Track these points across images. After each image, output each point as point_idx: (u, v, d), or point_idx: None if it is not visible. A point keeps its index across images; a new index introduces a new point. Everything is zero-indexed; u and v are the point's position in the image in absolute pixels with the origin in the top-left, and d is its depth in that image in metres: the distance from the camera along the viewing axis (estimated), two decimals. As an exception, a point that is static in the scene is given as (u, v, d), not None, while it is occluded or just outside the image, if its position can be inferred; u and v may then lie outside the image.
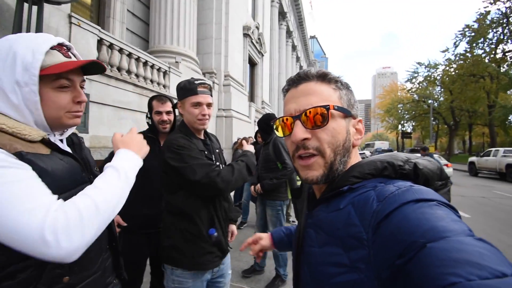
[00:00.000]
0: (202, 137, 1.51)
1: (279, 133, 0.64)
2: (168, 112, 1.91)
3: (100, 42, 4.09)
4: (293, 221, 5.35)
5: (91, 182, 0.83)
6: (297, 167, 0.62)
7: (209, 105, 1.43)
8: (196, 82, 1.41)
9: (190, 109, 1.41)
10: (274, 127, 0.66)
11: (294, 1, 23.42)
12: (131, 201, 1.03)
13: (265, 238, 1.03)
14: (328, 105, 0.56)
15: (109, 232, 0.95)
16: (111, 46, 4.32)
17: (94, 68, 0.87)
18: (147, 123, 1.97)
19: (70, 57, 0.81)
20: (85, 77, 0.88)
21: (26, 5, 2.61)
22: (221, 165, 1.51)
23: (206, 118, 1.42)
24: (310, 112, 0.57)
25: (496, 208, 7.23)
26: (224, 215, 1.48)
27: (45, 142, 0.76)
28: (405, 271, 0.37)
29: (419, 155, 0.63)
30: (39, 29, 2.68)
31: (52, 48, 0.75)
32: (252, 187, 3.04)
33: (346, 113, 0.59)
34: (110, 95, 4.13)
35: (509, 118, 24.94)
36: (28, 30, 2.60)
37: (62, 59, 0.77)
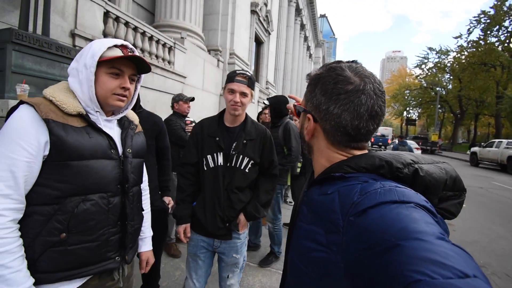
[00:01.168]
0: (234, 124, 1.62)
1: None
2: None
3: (106, 14, 4.04)
4: (290, 202, 5.51)
5: (119, 160, 1.03)
6: None
7: (243, 93, 1.53)
8: (237, 71, 1.56)
9: (226, 94, 1.56)
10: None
11: (305, -23, 22.39)
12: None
13: None
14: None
15: (122, 211, 1.04)
16: (117, 19, 4.26)
17: (143, 68, 1.06)
18: None
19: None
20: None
21: (33, -26, 2.58)
22: (241, 156, 1.58)
23: (238, 105, 1.52)
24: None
25: (492, 199, 7.35)
26: (219, 202, 1.58)
27: (82, 117, 0.95)
28: (373, 265, 0.40)
29: (430, 159, 0.61)
30: (47, 1, 2.67)
31: (116, 46, 0.98)
32: None
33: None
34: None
35: (517, 110, 24.49)
36: (36, 2, 2.60)
37: (119, 53, 0.97)
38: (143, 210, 1.21)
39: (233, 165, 1.57)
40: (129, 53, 1.00)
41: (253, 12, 10.50)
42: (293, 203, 5.02)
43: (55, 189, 0.88)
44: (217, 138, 1.56)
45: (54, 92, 0.93)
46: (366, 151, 0.65)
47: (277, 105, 3.03)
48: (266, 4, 11.88)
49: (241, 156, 1.57)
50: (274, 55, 15.55)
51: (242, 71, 1.56)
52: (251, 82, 1.56)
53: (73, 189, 0.90)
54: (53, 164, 0.88)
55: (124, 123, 1.13)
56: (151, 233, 1.32)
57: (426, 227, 0.40)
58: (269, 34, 13.29)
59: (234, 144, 1.57)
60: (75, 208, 0.90)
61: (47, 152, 0.87)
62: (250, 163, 1.59)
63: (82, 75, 0.95)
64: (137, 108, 1.91)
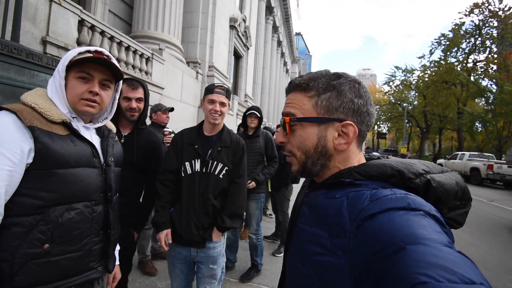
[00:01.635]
0: (212, 133, 1.73)
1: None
2: (138, 99, 1.70)
3: (81, 23, 3.92)
4: (270, 215, 5.46)
5: (102, 168, 1.01)
6: None
7: (222, 103, 1.66)
8: (215, 84, 1.69)
9: (206, 105, 1.67)
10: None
11: (281, -4, 23.38)
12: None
13: None
14: (292, 118, 0.65)
15: (105, 219, 1.02)
16: (92, 27, 4.15)
17: (119, 75, 1.05)
18: None
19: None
20: None
21: (3, -22, 2.46)
22: (215, 162, 1.67)
23: (218, 114, 1.65)
24: (282, 121, 0.68)
25: (457, 207, 7.81)
26: (194, 208, 1.64)
27: (66, 125, 0.93)
28: (379, 268, 0.40)
29: (440, 168, 0.61)
30: (18, 6, 2.54)
31: (89, 52, 0.97)
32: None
33: (313, 121, 0.63)
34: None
35: (476, 124, 26.66)
36: (6, 6, 2.46)
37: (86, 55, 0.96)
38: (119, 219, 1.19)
39: (208, 171, 1.66)
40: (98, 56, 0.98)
41: (232, 27, 10.71)
42: (273, 216, 4.96)
43: (38, 198, 0.84)
44: (196, 146, 1.67)
45: (35, 99, 0.90)
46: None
47: (261, 115, 3.05)
48: (244, 20, 12.19)
49: (215, 162, 1.67)
50: (253, 69, 15.85)
51: (220, 84, 1.70)
52: (228, 93, 1.71)
53: (58, 198, 0.88)
54: (37, 172, 0.85)
55: (103, 132, 1.12)
56: (118, 247, 1.26)
57: (434, 235, 0.41)
58: (248, 49, 13.57)
59: (210, 151, 1.68)
60: (59, 218, 0.87)
61: (30, 160, 0.84)
62: (224, 169, 1.69)
63: (56, 81, 0.94)
64: (140, 124, 1.77)
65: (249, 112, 3.01)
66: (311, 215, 0.61)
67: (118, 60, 4.74)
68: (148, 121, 3.21)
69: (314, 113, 0.63)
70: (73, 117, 0.98)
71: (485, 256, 4.20)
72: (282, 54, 28.29)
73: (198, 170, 1.66)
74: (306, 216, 0.62)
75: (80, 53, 0.95)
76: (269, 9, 19.62)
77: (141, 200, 1.87)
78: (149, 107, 3.24)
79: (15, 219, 0.81)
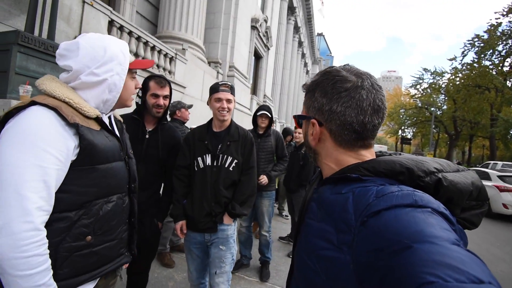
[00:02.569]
0: (221, 129, 1.84)
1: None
2: (165, 97, 1.79)
3: (110, 23, 4.13)
4: (286, 216, 5.44)
5: (125, 161, 1.05)
6: None
7: (228, 100, 1.76)
8: (219, 83, 1.79)
9: (213, 103, 1.78)
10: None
11: (305, -3, 23.18)
12: None
13: None
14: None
15: (131, 209, 1.09)
16: (121, 28, 4.35)
17: None
18: (136, 102, 1.82)
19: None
20: None
21: (41, -18, 2.65)
22: (225, 156, 1.78)
23: (226, 111, 1.75)
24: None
25: (489, 221, 7.34)
26: (206, 198, 1.76)
27: (98, 120, 0.94)
28: (384, 266, 0.39)
29: (456, 167, 0.59)
30: (54, 7, 2.73)
31: None
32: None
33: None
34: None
35: (511, 132, 24.94)
36: (43, 8, 2.65)
37: (132, 57, 1.04)
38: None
39: (219, 164, 1.78)
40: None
41: (253, 27, 10.78)
42: (289, 217, 4.95)
43: (81, 194, 0.86)
44: (206, 142, 1.79)
45: (67, 94, 0.88)
46: (373, 150, 0.65)
47: (272, 115, 3.09)
48: (266, 21, 12.21)
49: (225, 156, 1.78)
50: (272, 69, 15.84)
51: (224, 82, 1.80)
52: (233, 90, 1.81)
53: (99, 192, 0.91)
54: (81, 169, 0.86)
55: (117, 124, 1.15)
56: None
57: (442, 232, 0.40)
58: (268, 49, 13.59)
59: (219, 146, 1.79)
60: (100, 211, 0.91)
61: (74, 158, 0.85)
62: (234, 162, 1.79)
63: (108, 79, 0.95)
64: (163, 119, 1.85)
65: (260, 113, 3.04)
66: (319, 211, 0.61)
67: (144, 59, 4.92)
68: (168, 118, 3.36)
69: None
70: (102, 112, 1.01)
71: (516, 272, 3.94)
72: (303, 55, 28.02)
73: (209, 164, 1.78)
74: (315, 211, 0.63)
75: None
76: (291, 9, 19.52)
77: (161, 192, 1.95)
78: (171, 104, 3.35)
79: (57, 215, 0.82)
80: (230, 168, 1.79)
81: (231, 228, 1.85)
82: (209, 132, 1.85)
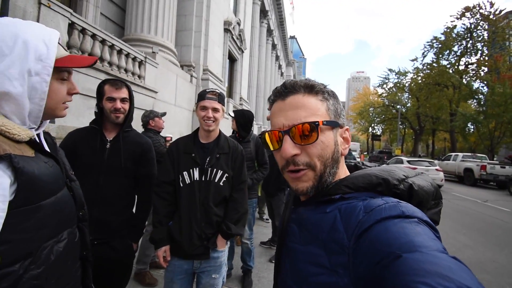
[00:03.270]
0: (208, 140, 1.68)
1: (268, 147, 0.63)
2: (123, 100, 1.61)
3: (71, 26, 3.83)
4: (267, 219, 5.41)
5: (68, 187, 0.85)
6: (287, 178, 0.62)
7: (214, 109, 1.61)
8: (207, 90, 1.65)
9: (198, 112, 1.63)
10: (262, 140, 0.65)
11: (275, 0, 23.49)
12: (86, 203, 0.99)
13: None
14: (318, 121, 0.56)
15: (82, 241, 0.91)
16: (83, 30, 4.06)
17: None
18: (95, 112, 1.67)
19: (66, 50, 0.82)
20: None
21: (-13, -21, 2.38)
22: (215, 169, 1.62)
23: (211, 120, 1.60)
24: (299, 127, 0.56)
25: (454, 209, 7.85)
26: (195, 217, 1.58)
27: (31, 142, 0.73)
28: (379, 278, 0.39)
29: (414, 172, 0.61)
30: (4, 8, 2.46)
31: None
32: None
33: (334, 125, 0.59)
34: (80, 82, 3.89)
35: (468, 125, 27.01)
36: (-11, 7, 2.38)
37: (64, 52, 0.79)
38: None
39: (208, 179, 1.61)
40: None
41: (226, 30, 10.70)
42: (269, 221, 4.90)
43: (25, 241, 0.68)
44: (193, 154, 1.61)
45: None
46: None
47: (244, 119, 2.97)
48: (239, 24, 12.19)
49: (214, 170, 1.62)
50: (248, 72, 15.86)
51: (212, 89, 1.66)
52: (221, 98, 1.65)
53: (47, 234, 0.73)
54: (22, 210, 0.67)
55: (46, 139, 0.89)
56: None
57: (430, 242, 0.41)
58: (242, 52, 13.58)
59: (208, 159, 1.63)
60: (50, 255, 0.74)
61: (11, 198, 0.65)
62: (224, 176, 1.64)
63: (21, 85, 0.69)
64: (126, 126, 1.67)
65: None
66: (302, 233, 0.58)
67: (110, 64, 4.65)
68: (140, 129, 3.17)
69: (327, 117, 0.59)
70: (31, 128, 0.77)
71: (482, 258, 4.20)
72: (277, 57, 28.38)
73: (197, 178, 1.60)
74: (296, 234, 0.59)
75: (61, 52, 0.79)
76: (264, 13, 19.70)
77: (134, 209, 1.78)
78: (143, 115, 3.18)
79: None
80: (221, 183, 1.62)
81: (224, 254, 1.68)
82: (196, 143, 1.67)
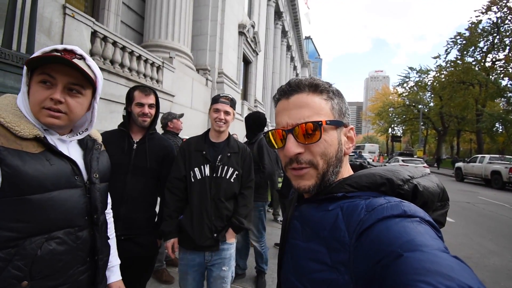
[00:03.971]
0: (219, 140, 1.80)
1: (272, 145, 0.64)
2: (151, 105, 1.72)
3: (93, 34, 4.05)
4: (281, 221, 5.42)
5: (85, 187, 0.88)
6: (289, 176, 0.63)
7: (226, 112, 1.74)
8: (221, 95, 1.79)
9: (211, 114, 1.76)
10: (266, 139, 0.66)
11: (290, 1, 23.45)
12: (113, 201, 1.02)
13: None
14: (321, 121, 0.57)
15: (91, 245, 0.92)
16: (104, 38, 4.27)
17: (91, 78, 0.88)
18: (123, 115, 1.78)
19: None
20: None
21: (19, -6, 2.57)
22: (226, 167, 1.73)
23: (223, 122, 1.73)
24: (302, 126, 0.57)
25: (479, 213, 7.45)
26: (207, 211, 1.68)
27: (39, 140, 0.79)
28: (380, 277, 0.39)
29: (420, 172, 0.60)
30: (32, 19, 2.64)
31: (57, 50, 0.81)
32: None
33: (338, 125, 0.60)
34: (102, 88, 4.09)
35: (496, 125, 25.61)
36: (21, 20, 2.57)
37: (43, 52, 0.81)
38: (108, 238, 1.06)
39: (219, 175, 1.72)
40: (74, 59, 0.81)
41: (240, 33, 10.82)
42: (284, 222, 4.89)
43: (9, 230, 0.73)
44: (204, 152, 1.73)
45: (0, 112, 0.76)
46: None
47: (250, 120, 2.98)
48: (253, 26, 12.28)
49: (226, 167, 1.74)
50: (262, 74, 15.91)
51: (225, 94, 1.80)
52: (232, 103, 1.79)
53: (34, 228, 0.76)
54: (7, 200, 0.72)
55: (87, 143, 0.98)
56: (119, 261, 1.19)
57: (431, 241, 0.41)
58: (257, 54, 13.65)
59: (219, 157, 1.74)
60: (37, 250, 0.76)
61: None
62: (235, 173, 1.76)
63: (23, 84, 0.80)
64: (150, 129, 1.77)
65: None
66: (304, 230, 0.58)
67: (130, 69, 4.85)
68: (160, 130, 3.28)
69: (331, 116, 0.60)
70: (45, 129, 0.83)
71: (509, 265, 3.96)
72: (292, 59, 28.27)
73: (208, 175, 1.71)
74: (299, 231, 0.60)
75: (45, 53, 0.79)
76: (278, 14, 19.71)
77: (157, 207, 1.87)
78: (161, 117, 3.28)
79: None
80: (232, 180, 1.74)
81: (233, 246, 1.78)
82: (207, 142, 1.80)
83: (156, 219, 1.83)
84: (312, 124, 0.56)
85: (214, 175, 1.71)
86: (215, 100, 1.77)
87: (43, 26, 3.26)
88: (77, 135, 0.93)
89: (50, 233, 0.79)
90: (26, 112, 0.80)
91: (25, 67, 0.79)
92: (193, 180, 1.70)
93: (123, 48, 4.69)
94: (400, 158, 15.96)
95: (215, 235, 1.67)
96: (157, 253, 1.85)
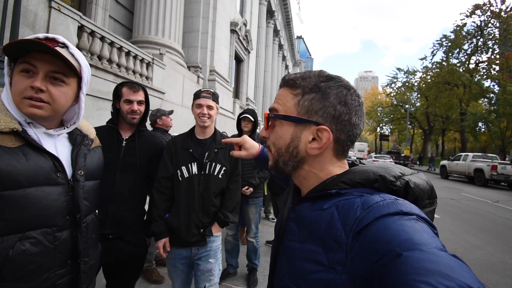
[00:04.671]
0: (205, 136, 1.78)
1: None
2: (139, 102, 1.67)
3: (80, 28, 3.93)
4: (273, 219, 5.43)
5: (68, 185, 0.83)
6: None
7: (209, 107, 1.71)
8: (202, 89, 1.76)
9: (194, 109, 1.74)
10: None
11: (282, 1, 23.47)
12: (101, 199, 0.97)
13: (252, 147, 1.13)
14: (272, 114, 0.64)
15: (73, 248, 0.87)
16: (92, 33, 4.16)
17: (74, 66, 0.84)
18: (111, 112, 1.73)
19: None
20: None
21: (1, -15, 2.47)
22: (214, 163, 1.73)
23: (206, 117, 1.69)
24: (265, 115, 0.66)
25: (463, 209, 7.70)
26: (194, 208, 1.67)
27: (17, 134, 0.76)
28: (379, 276, 0.39)
29: (410, 170, 0.61)
30: (16, 11, 2.55)
31: (39, 39, 0.76)
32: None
33: (295, 121, 0.60)
34: (89, 84, 3.98)
35: (479, 125, 26.45)
36: (4, 12, 2.47)
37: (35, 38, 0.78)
38: (99, 240, 1.00)
39: (207, 172, 1.71)
40: (56, 47, 0.78)
41: (232, 31, 10.75)
42: (275, 220, 4.91)
43: None
44: (191, 150, 1.71)
45: None
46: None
47: (255, 119, 2.99)
48: (245, 24, 12.23)
49: (213, 164, 1.73)
50: (254, 72, 15.88)
51: (206, 89, 1.77)
52: (215, 97, 1.76)
53: (6, 227, 0.72)
54: None
55: (76, 138, 0.93)
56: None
57: (429, 239, 0.41)
58: (249, 52, 13.61)
59: (206, 153, 1.72)
60: (9, 250, 0.71)
61: None
62: (223, 169, 1.75)
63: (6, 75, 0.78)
64: (141, 126, 1.73)
65: (242, 116, 2.93)
66: (300, 231, 0.58)
67: (119, 65, 4.75)
68: (149, 128, 3.22)
69: (295, 112, 0.61)
70: (29, 123, 0.81)
71: (492, 259, 4.12)
72: (284, 58, 28.34)
73: (196, 172, 1.70)
74: (295, 232, 0.59)
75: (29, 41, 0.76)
76: (270, 13, 19.71)
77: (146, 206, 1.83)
78: (150, 114, 3.22)
79: None
80: (219, 176, 1.74)
81: (219, 239, 1.79)
82: (193, 139, 1.77)
83: (145, 217, 1.79)
84: (267, 115, 0.65)
85: (202, 172, 1.70)
86: (197, 95, 1.74)
87: (28, 20, 3.14)
88: (64, 129, 0.89)
89: (24, 232, 0.75)
90: (9, 105, 0.78)
91: (6, 58, 0.76)
92: (180, 178, 1.69)
93: (111, 44, 4.57)
94: (373, 154, 17.06)
95: (201, 230, 1.68)
96: (146, 251, 1.81)
